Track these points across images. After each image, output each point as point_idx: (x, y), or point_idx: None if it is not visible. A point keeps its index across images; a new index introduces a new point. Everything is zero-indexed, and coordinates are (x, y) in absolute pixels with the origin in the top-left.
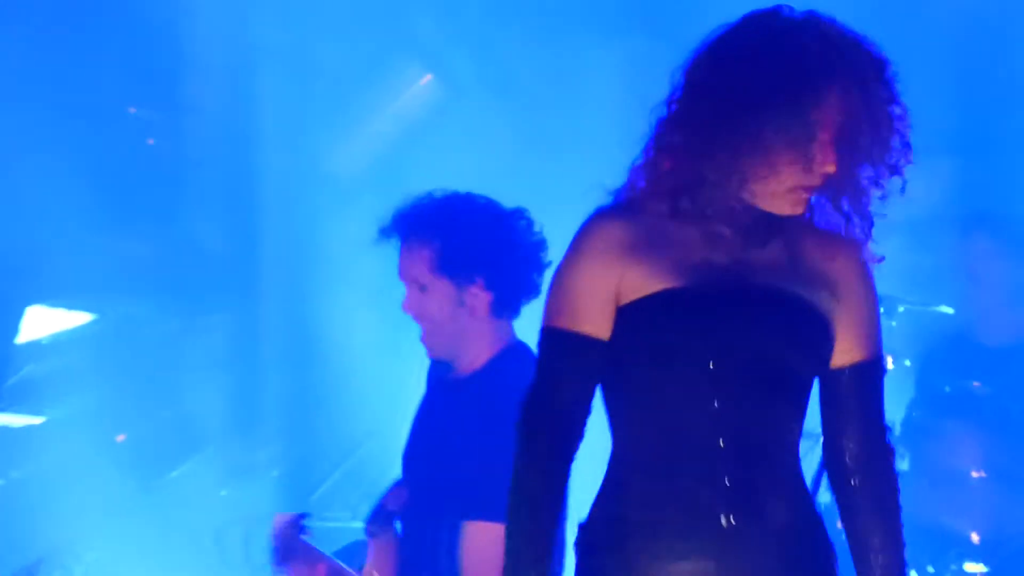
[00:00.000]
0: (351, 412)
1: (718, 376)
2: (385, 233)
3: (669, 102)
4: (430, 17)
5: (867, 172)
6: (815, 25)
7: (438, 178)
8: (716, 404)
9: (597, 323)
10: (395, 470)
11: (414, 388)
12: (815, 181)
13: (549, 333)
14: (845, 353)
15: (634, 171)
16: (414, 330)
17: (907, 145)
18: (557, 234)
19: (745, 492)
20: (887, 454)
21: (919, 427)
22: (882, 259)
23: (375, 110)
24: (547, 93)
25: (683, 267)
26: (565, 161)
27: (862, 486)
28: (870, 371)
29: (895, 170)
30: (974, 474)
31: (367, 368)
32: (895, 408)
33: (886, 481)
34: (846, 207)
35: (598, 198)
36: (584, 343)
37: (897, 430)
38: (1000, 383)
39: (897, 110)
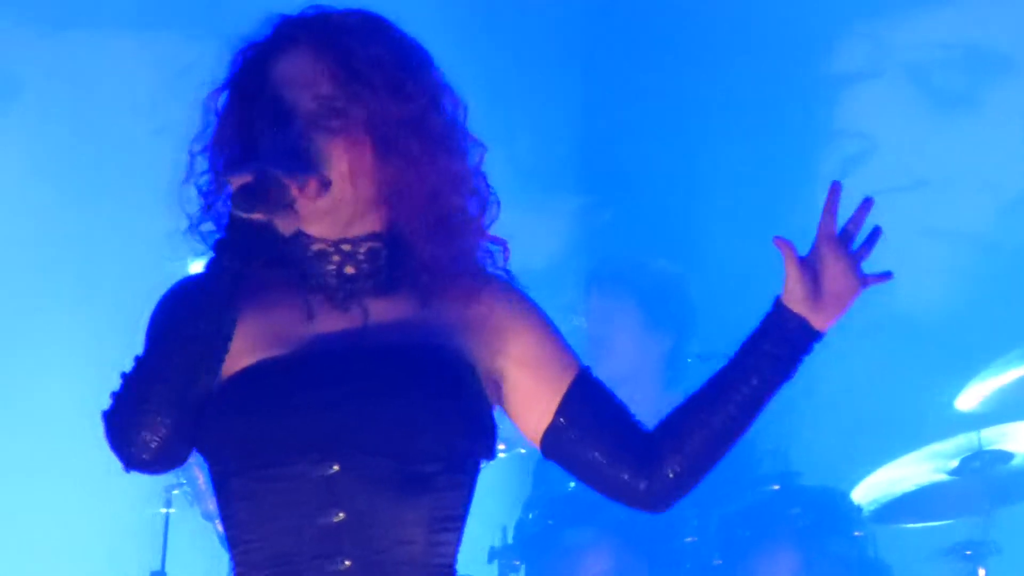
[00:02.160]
0: None
1: (339, 479)
2: None
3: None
4: None
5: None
6: (274, 17)
7: None
8: (340, 516)
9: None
10: None
11: None
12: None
13: None
14: (545, 391)
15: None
16: None
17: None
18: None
19: None
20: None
21: (535, 532)
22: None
23: None
24: (62, 99)
25: (280, 333)
26: (94, 186)
27: (668, 459)
28: (586, 386)
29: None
30: None
31: None
32: (512, 509)
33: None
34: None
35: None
36: None
37: (510, 536)
38: None
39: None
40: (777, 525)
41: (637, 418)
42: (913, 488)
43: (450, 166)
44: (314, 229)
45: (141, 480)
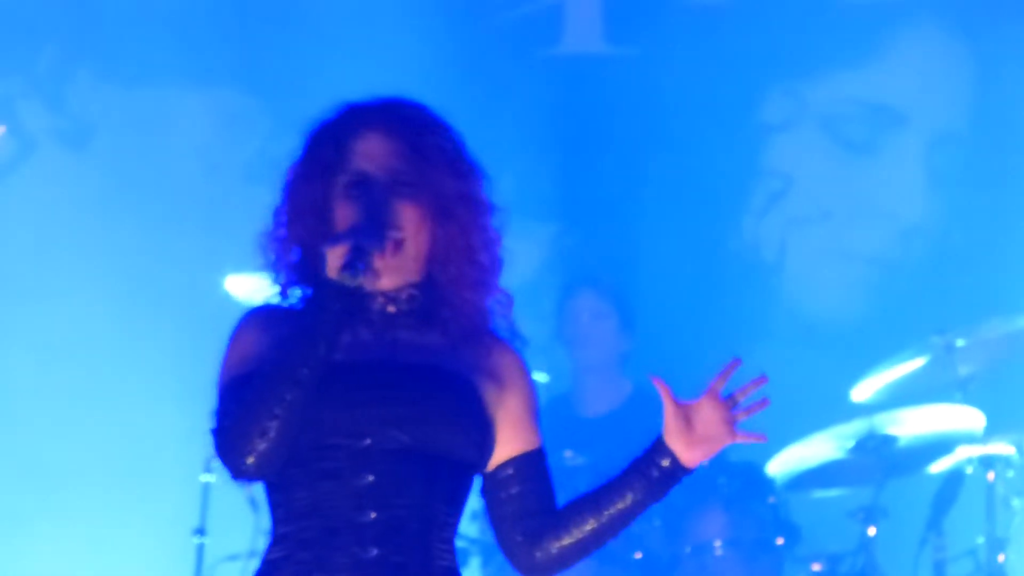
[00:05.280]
0: None
1: (370, 452)
2: None
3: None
4: None
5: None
6: (346, 105)
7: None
8: (370, 479)
9: None
10: None
11: None
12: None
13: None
14: (509, 443)
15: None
16: None
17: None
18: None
19: (392, 568)
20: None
21: None
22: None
23: None
24: (132, 144)
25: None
26: (155, 216)
27: (555, 533)
28: (538, 460)
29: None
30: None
31: None
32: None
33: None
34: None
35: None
36: None
37: None
38: (595, 452)
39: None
40: (707, 492)
41: (557, 497)
42: (818, 463)
43: (485, 231)
44: (381, 280)
45: (188, 451)
